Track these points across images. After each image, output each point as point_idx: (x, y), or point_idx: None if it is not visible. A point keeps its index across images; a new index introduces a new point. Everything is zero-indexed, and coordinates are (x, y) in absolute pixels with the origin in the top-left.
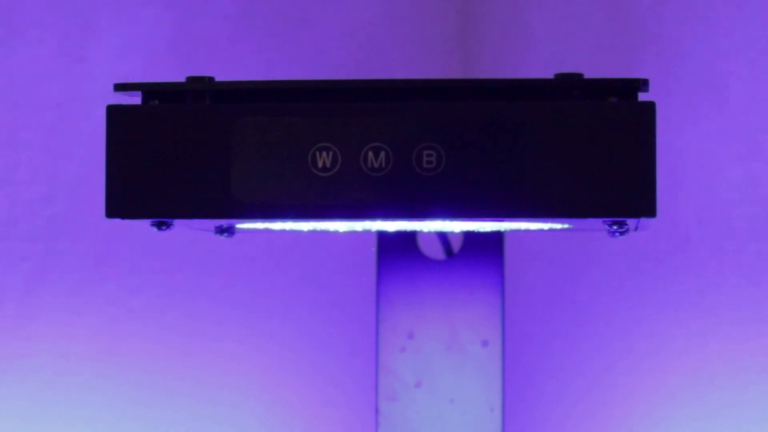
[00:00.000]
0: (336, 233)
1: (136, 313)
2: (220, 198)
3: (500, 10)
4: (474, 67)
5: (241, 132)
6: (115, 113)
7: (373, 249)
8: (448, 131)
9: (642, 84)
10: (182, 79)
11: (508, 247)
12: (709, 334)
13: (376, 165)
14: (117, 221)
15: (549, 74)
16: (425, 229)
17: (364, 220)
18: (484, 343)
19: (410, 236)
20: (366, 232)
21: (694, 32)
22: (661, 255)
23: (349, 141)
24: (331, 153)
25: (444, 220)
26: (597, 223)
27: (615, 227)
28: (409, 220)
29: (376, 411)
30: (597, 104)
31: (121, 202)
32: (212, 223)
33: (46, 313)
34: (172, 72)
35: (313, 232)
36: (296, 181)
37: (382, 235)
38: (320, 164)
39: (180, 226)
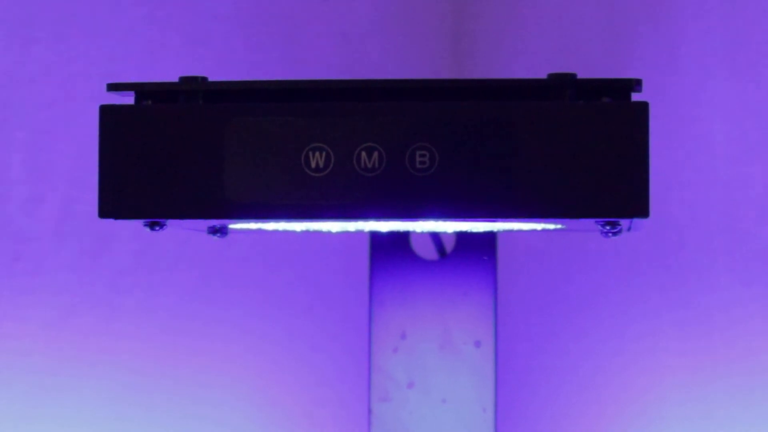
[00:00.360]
0: (329, 233)
1: (129, 314)
2: (213, 198)
3: (493, 10)
4: (467, 67)
5: (234, 132)
6: (107, 113)
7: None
8: (441, 131)
9: (635, 84)
10: (175, 79)
11: (501, 247)
12: (702, 334)
13: (369, 165)
14: (110, 221)
15: (542, 74)
16: (418, 230)
17: (357, 221)
18: (477, 344)
19: (403, 236)
20: (359, 233)
21: (687, 32)
22: (654, 255)
23: (342, 141)
24: (324, 153)
25: (437, 221)
26: (590, 224)
27: (608, 228)
28: (402, 221)
29: (369, 411)
30: (590, 104)
31: (114, 202)
32: (205, 224)
33: (38, 314)
34: (164, 72)
35: (306, 233)
36: (289, 181)
37: (375, 236)
38: (313, 164)
39: (173, 226)
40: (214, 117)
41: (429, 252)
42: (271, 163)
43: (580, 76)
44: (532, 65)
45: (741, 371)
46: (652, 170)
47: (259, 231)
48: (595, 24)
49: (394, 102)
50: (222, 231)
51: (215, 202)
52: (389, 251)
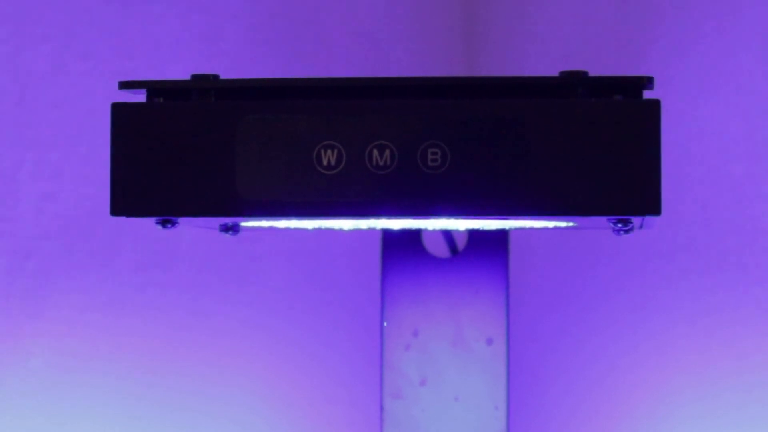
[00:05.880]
0: (341, 231)
1: (141, 311)
2: (225, 196)
3: (505, 8)
4: (479, 65)
5: (246, 130)
6: (119, 111)
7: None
8: (453, 129)
9: (647, 82)
10: (187, 77)
11: (513, 245)
12: (714, 333)
13: (381, 163)
14: (122, 219)
15: (554, 72)
16: (430, 228)
17: (369, 218)
18: (489, 341)
19: (415, 234)
20: (371, 230)
21: (699, 29)
22: (666, 253)
23: (354, 139)
24: (336, 151)
25: (449, 218)
26: (602, 222)
27: (620, 225)
28: (414, 218)
29: (381, 409)
30: (602, 102)
31: (126, 199)
32: (217, 221)
33: (51, 311)
34: (177, 70)
35: (318, 230)
36: (301, 179)
37: (387, 233)
38: (325, 162)
39: (184, 224)
40: (226, 115)
41: (441, 250)
42: (283, 160)
43: (592, 74)
44: (543, 63)
45: (753, 370)
46: (664, 168)
47: (271, 229)
48: (606, 22)
49: (406, 100)
50: (234, 229)
51: (227, 199)
52: (401, 249)
